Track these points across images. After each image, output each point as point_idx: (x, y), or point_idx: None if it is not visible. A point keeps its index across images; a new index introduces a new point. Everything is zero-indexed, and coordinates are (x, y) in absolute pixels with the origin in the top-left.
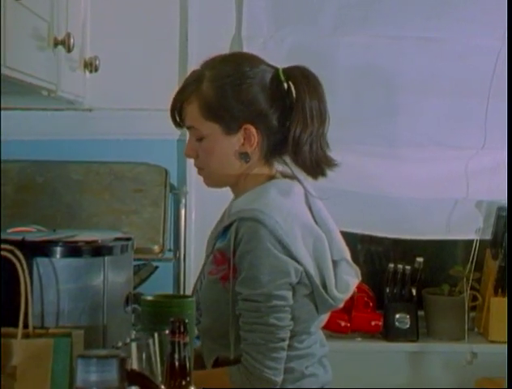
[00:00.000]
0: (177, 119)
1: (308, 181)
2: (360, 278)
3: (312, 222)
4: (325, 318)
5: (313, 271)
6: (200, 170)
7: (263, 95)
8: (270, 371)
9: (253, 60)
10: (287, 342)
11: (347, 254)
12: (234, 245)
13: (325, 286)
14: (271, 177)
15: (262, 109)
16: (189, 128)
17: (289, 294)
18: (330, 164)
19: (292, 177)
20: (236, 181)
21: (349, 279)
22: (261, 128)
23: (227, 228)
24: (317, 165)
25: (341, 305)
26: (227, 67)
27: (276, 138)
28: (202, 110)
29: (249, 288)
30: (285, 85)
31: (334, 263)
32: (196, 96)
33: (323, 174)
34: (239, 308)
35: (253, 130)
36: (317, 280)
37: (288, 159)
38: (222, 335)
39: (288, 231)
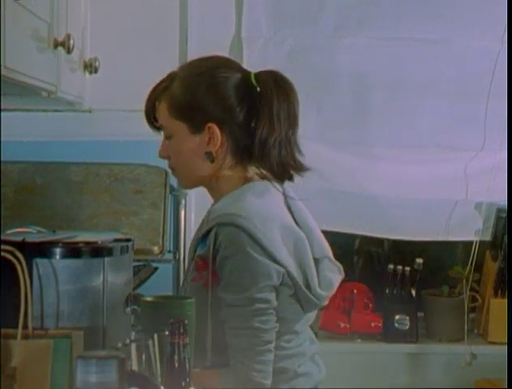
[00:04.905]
0: (151, 119)
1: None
2: (344, 274)
3: (291, 223)
4: (312, 316)
5: (295, 271)
6: (173, 171)
7: (231, 95)
8: (259, 374)
9: (227, 62)
10: (273, 344)
11: (329, 252)
12: (214, 251)
13: (308, 285)
14: (248, 180)
15: (227, 108)
16: (161, 128)
17: (272, 296)
18: (299, 169)
19: (270, 178)
20: (209, 183)
21: (332, 277)
22: (226, 128)
23: (206, 235)
24: (284, 170)
25: (326, 302)
26: (199, 67)
27: (244, 140)
28: (170, 109)
29: (232, 293)
30: (257, 89)
31: (316, 261)
32: (166, 95)
33: (290, 179)
34: (223, 314)
35: (216, 129)
36: (300, 281)
37: (256, 163)
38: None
39: (267, 233)
